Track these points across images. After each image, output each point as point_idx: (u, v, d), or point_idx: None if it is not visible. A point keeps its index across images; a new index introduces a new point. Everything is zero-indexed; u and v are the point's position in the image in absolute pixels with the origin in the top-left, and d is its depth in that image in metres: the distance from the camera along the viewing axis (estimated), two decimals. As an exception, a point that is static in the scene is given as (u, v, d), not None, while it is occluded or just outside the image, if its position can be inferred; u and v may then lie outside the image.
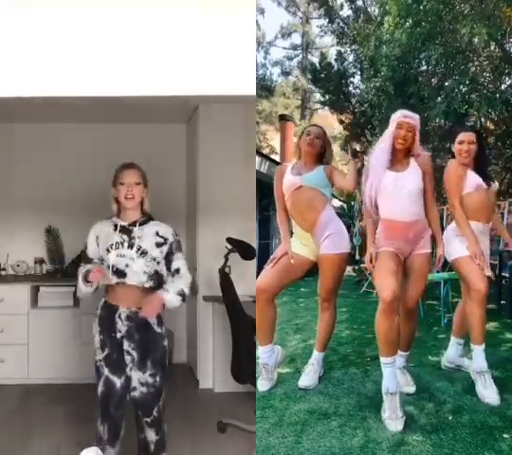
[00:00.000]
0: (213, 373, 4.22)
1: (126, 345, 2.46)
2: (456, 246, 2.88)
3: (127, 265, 2.43)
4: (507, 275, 5.10)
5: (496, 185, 3.10)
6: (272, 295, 2.94)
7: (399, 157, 2.81)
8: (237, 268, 3.74)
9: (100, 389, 2.48)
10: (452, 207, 2.93)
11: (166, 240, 2.49)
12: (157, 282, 2.49)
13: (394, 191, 2.74)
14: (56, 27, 2.27)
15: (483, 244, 2.90)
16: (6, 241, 4.81)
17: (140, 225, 2.48)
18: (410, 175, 2.77)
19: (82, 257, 2.61)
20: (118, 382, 2.47)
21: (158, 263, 2.48)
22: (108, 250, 2.45)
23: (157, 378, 2.49)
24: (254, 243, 3.51)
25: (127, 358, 2.47)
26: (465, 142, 2.91)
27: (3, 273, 4.76)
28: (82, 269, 2.52)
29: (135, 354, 2.46)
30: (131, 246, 2.44)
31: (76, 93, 2.31)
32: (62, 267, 4.79)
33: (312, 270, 3.10)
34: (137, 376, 2.48)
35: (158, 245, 2.48)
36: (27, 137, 4.84)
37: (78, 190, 4.71)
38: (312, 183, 2.94)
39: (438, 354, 3.47)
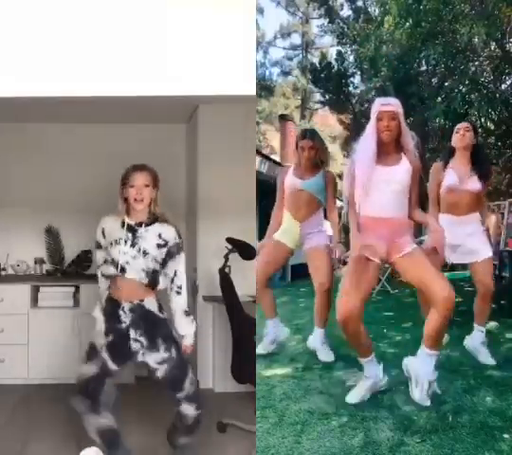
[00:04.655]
0: (213, 373, 4.22)
1: (133, 333, 2.51)
2: None
3: (127, 262, 2.50)
4: (507, 275, 5.09)
5: (477, 185, 3.22)
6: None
7: (388, 150, 2.65)
8: (237, 268, 3.73)
9: (92, 368, 2.49)
10: (430, 204, 3.35)
11: (167, 243, 2.54)
12: (153, 279, 2.55)
13: (379, 185, 2.59)
14: (56, 27, 2.28)
15: (454, 233, 3.11)
16: (6, 241, 4.80)
17: (146, 225, 2.52)
18: (400, 170, 2.62)
19: (94, 256, 2.64)
20: (113, 369, 2.50)
21: (158, 262, 2.55)
22: (112, 244, 2.52)
23: (173, 351, 2.54)
24: (254, 243, 3.51)
25: (135, 346, 2.51)
26: (461, 129, 3.22)
27: (3, 273, 4.75)
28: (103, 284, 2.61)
29: (143, 339, 2.51)
30: (133, 245, 2.50)
31: (76, 93, 2.31)
32: (62, 267, 4.79)
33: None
34: (152, 359, 2.52)
35: (159, 246, 2.53)
36: (27, 137, 4.82)
37: (78, 190, 4.70)
38: (311, 189, 3.35)
39: (440, 353, 3.45)
